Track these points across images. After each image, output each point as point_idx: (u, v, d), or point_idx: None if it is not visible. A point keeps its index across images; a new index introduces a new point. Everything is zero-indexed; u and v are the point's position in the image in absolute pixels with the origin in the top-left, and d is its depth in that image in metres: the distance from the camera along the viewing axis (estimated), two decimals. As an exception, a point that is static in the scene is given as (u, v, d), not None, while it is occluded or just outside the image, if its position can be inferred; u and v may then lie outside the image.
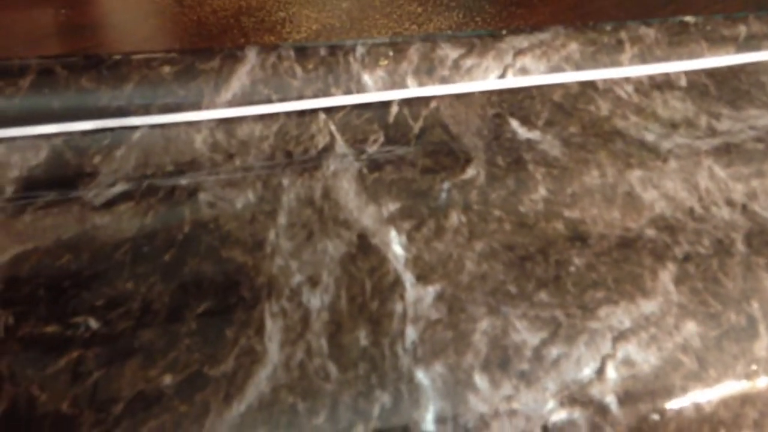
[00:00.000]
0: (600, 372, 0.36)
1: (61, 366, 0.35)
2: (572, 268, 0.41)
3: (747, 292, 0.40)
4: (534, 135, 0.49)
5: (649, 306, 0.39)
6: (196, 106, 0.47)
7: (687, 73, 0.55)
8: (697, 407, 0.36)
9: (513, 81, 0.52)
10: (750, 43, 0.56)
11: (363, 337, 0.37)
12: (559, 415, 0.34)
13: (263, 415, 0.33)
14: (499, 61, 0.52)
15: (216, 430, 0.33)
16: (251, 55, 0.49)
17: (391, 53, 0.51)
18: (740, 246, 0.43)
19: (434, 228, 0.42)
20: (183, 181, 0.44)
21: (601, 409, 0.35)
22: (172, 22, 0.55)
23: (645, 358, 0.37)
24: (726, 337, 0.38)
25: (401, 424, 0.33)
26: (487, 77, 0.52)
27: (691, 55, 0.55)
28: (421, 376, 0.35)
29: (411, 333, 0.37)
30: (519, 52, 0.53)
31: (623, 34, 0.54)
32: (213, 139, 0.46)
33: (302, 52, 0.50)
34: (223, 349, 0.36)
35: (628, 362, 0.36)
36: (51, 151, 0.44)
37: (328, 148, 0.47)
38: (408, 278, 0.40)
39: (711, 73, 0.55)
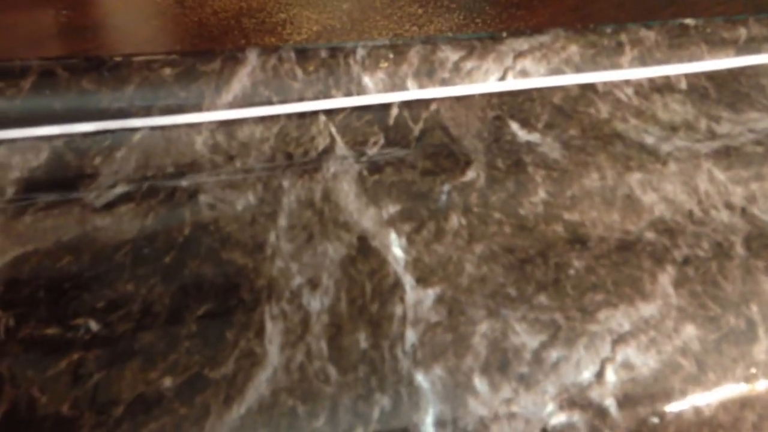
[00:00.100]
0: (599, 375, 0.36)
1: (62, 368, 0.35)
2: (572, 271, 0.41)
3: (746, 296, 0.40)
4: (534, 137, 0.49)
5: (648, 309, 0.39)
6: (197, 108, 0.47)
7: (687, 76, 0.55)
8: (697, 410, 0.36)
9: (513, 83, 0.52)
10: (750, 45, 0.56)
11: (363, 340, 0.37)
12: (559, 418, 0.34)
13: (263, 417, 0.33)
14: (499, 63, 0.52)
15: (216, 433, 0.33)
16: (252, 57, 0.49)
17: (391, 55, 0.51)
18: (739, 249, 0.43)
19: (434, 230, 0.43)
20: (183, 183, 0.44)
21: (601, 412, 0.35)
22: (173, 24, 0.55)
23: (644, 361, 0.37)
24: (725, 340, 0.38)
25: (401, 427, 0.34)
26: (488, 79, 0.52)
27: (691, 58, 0.55)
28: (420, 378, 0.35)
29: (411, 336, 0.37)
30: (519, 55, 0.53)
31: (623, 37, 0.54)
32: (213, 140, 0.46)
33: (303, 54, 0.50)
34: (223, 352, 0.36)
35: (627, 365, 0.36)
36: (52, 153, 0.44)
37: (329, 150, 0.47)
38: (408, 281, 0.40)
39: (711, 75, 0.55)
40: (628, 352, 0.37)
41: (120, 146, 0.45)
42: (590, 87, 0.53)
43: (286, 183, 0.45)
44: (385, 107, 0.50)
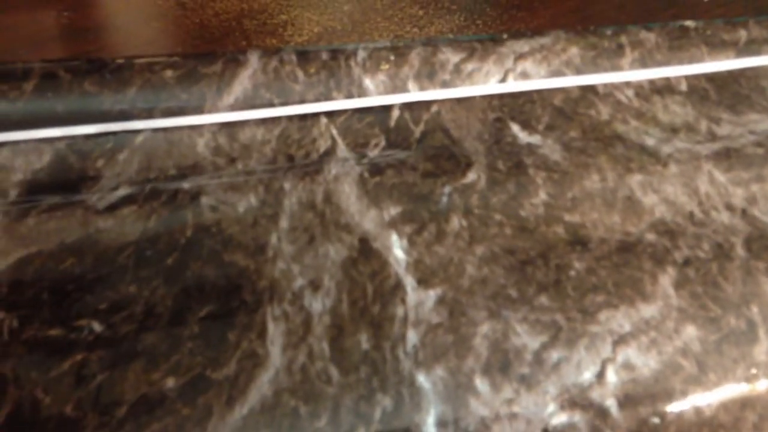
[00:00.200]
0: (600, 375, 0.36)
1: (65, 369, 0.35)
2: (572, 272, 0.41)
3: (747, 297, 0.40)
4: (534, 139, 0.49)
5: (649, 310, 0.39)
6: (199, 110, 0.47)
7: (687, 78, 0.55)
8: (697, 411, 0.36)
9: (514, 85, 0.52)
10: (750, 47, 0.57)
11: (364, 341, 0.37)
12: (560, 419, 0.35)
13: (265, 418, 0.33)
14: (500, 65, 0.52)
15: (219, 434, 0.33)
16: (253, 59, 0.49)
17: (392, 57, 0.51)
18: (740, 250, 0.43)
19: (435, 232, 0.43)
20: (185, 185, 0.44)
21: (602, 412, 0.35)
22: (174, 26, 0.55)
23: (645, 361, 0.37)
24: (726, 341, 0.38)
25: (402, 427, 0.34)
26: (488, 81, 0.52)
27: (692, 60, 0.55)
28: (422, 379, 0.35)
29: (412, 336, 0.37)
30: (520, 57, 0.53)
31: (624, 39, 0.55)
32: (215, 142, 0.47)
33: (304, 56, 0.50)
34: (225, 353, 0.36)
35: (628, 366, 0.37)
36: (54, 155, 0.44)
37: (330, 152, 0.47)
38: (409, 282, 0.40)
39: (711, 77, 0.55)
40: (629, 352, 0.37)
41: (122, 148, 0.46)
42: (591, 89, 0.53)
43: (287, 185, 0.45)
44: (386, 109, 0.50)
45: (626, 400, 0.35)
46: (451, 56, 0.52)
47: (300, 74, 0.49)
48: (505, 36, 0.53)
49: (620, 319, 0.39)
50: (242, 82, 0.48)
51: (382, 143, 0.48)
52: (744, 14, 0.58)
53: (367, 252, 0.41)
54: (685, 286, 0.40)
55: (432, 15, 0.59)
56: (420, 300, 0.39)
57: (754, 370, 0.37)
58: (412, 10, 0.60)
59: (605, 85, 0.53)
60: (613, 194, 0.46)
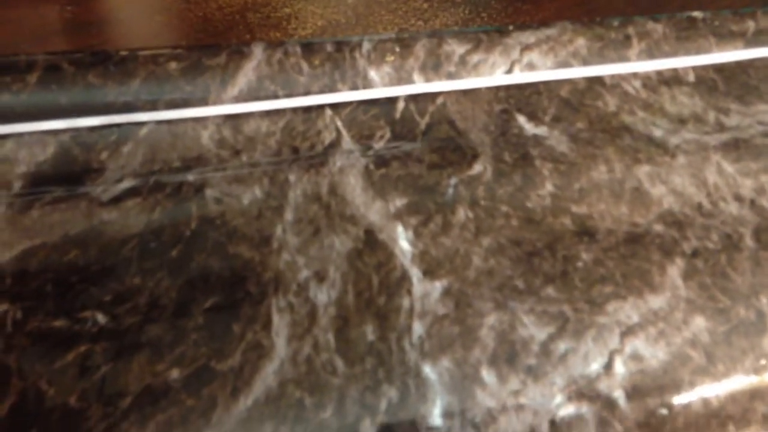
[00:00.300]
0: (608, 367, 0.36)
1: (69, 360, 0.35)
2: (580, 264, 0.40)
3: (756, 287, 0.40)
4: (541, 130, 0.49)
5: (657, 301, 0.39)
6: (203, 102, 0.47)
7: (695, 69, 0.54)
8: (705, 402, 0.35)
9: (520, 76, 0.52)
10: (758, 38, 0.56)
11: (370, 332, 0.37)
12: (567, 410, 0.34)
13: (270, 409, 0.33)
14: (505, 56, 0.52)
15: (223, 424, 0.33)
16: (257, 51, 0.48)
17: (397, 49, 0.51)
18: (749, 241, 0.42)
19: (441, 223, 0.42)
20: (190, 177, 0.44)
21: (609, 403, 0.35)
22: (178, 19, 0.55)
23: (653, 353, 0.36)
24: (734, 332, 0.38)
25: (408, 418, 0.33)
26: (494, 73, 0.52)
27: (699, 51, 0.55)
28: (428, 370, 0.35)
29: (418, 328, 0.37)
30: (526, 48, 0.52)
31: (631, 30, 0.54)
32: (220, 135, 0.46)
33: (308, 48, 0.49)
34: (230, 344, 0.36)
35: (636, 357, 0.36)
36: (58, 147, 0.44)
37: (335, 144, 0.47)
38: (415, 273, 0.40)
39: (719, 68, 0.55)
40: (637, 343, 0.37)
41: (126, 140, 0.45)
42: (598, 80, 0.53)
43: (292, 177, 0.45)
44: (392, 101, 0.50)
45: (634, 392, 0.35)
46: (456, 48, 0.51)
47: (305, 66, 0.49)
48: (511, 27, 0.53)
49: (628, 310, 0.38)
50: (246, 74, 0.48)
51: (388, 135, 0.48)
52: (752, 5, 0.58)
53: (372, 243, 0.41)
54: (694, 277, 0.40)
55: (437, 8, 0.59)
56: (426, 291, 0.39)
57: (763, 361, 0.37)
58: (417, 3, 0.59)
59: (612, 76, 0.53)
60: (620, 185, 0.45)
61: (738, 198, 0.45)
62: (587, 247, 0.41)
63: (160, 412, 0.33)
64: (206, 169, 0.45)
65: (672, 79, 0.54)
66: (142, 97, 0.46)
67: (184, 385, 0.34)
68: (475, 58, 0.51)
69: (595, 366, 0.36)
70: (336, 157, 0.46)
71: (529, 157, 0.47)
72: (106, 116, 0.45)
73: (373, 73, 0.50)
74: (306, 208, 0.43)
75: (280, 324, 0.37)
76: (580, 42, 0.53)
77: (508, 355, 0.36)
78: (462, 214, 0.43)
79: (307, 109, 0.49)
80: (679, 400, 0.35)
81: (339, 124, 0.48)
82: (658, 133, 0.49)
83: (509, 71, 0.52)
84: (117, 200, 0.43)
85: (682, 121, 0.50)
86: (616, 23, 0.54)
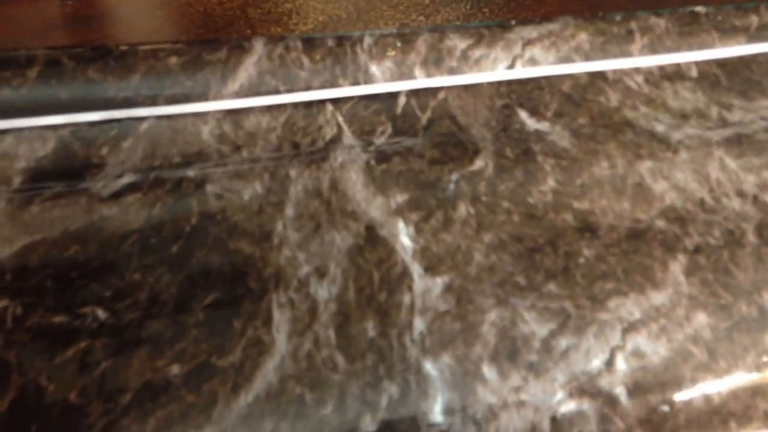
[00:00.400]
0: (609, 363, 0.36)
1: (69, 356, 0.35)
2: (581, 260, 0.40)
3: (758, 284, 0.40)
4: (543, 126, 0.49)
5: (659, 297, 0.39)
6: (203, 97, 0.47)
7: (698, 64, 0.54)
8: (707, 399, 0.35)
9: (522, 72, 0.52)
10: (761, 33, 0.56)
11: (371, 328, 0.37)
12: (568, 407, 0.34)
13: (271, 405, 0.33)
14: (507, 51, 0.52)
15: (223, 420, 0.33)
16: (258, 46, 0.48)
17: (398, 44, 0.50)
18: (751, 237, 0.42)
19: (442, 219, 0.42)
20: (190, 173, 0.44)
21: (611, 400, 0.34)
22: (178, 14, 0.55)
23: (655, 349, 0.36)
24: (737, 328, 0.38)
25: (409, 414, 0.33)
26: (496, 68, 0.51)
27: (702, 46, 0.55)
28: (429, 367, 0.35)
29: (419, 324, 0.37)
30: (528, 43, 0.52)
31: (633, 25, 0.54)
32: (220, 130, 0.46)
33: (309, 43, 0.49)
34: (230, 340, 0.36)
35: (637, 354, 0.36)
36: (58, 142, 0.44)
37: (336, 140, 0.47)
38: (416, 269, 0.39)
39: (722, 63, 0.54)
40: (639, 340, 0.37)
41: (126, 136, 0.45)
42: (600, 75, 0.52)
43: (293, 172, 0.45)
44: (393, 96, 0.50)
45: (635, 388, 0.35)
46: (458, 42, 0.51)
47: (306, 61, 0.49)
48: (513, 22, 0.53)
49: (630, 307, 0.38)
50: (247, 69, 0.48)
51: (389, 130, 0.48)
52: (755, 0, 0.57)
53: (373, 239, 0.41)
54: (696, 274, 0.40)
55: (438, 3, 0.58)
56: (427, 287, 0.39)
57: (765, 358, 0.37)
58: (419, -2, 0.59)
59: (614, 72, 0.53)
60: (622, 181, 0.45)
61: (740, 194, 0.45)
62: (589, 243, 0.41)
63: (161, 408, 0.33)
64: (207, 165, 0.45)
65: (674, 75, 0.53)
66: (142, 92, 0.46)
67: (185, 381, 0.34)
68: (476, 53, 0.51)
69: (597, 362, 0.36)
70: (337, 153, 0.46)
71: (531, 152, 0.47)
72: (106, 111, 0.45)
73: (374, 68, 0.50)
74: (307, 203, 0.43)
75: (280, 320, 0.37)
76: (583, 37, 0.53)
77: (510, 351, 0.36)
78: (463, 209, 0.43)
79: (308, 105, 0.49)
80: (680, 396, 0.35)
81: (340, 119, 0.48)
82: (660, 128, 0.49)
83: (511, 66, 0.52)
84: (117, 196, 0.42)
85: (684, 117, 0.50)
86: (618, 18, 0.54)
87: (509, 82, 0.51)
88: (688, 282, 0.39)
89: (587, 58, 0.53)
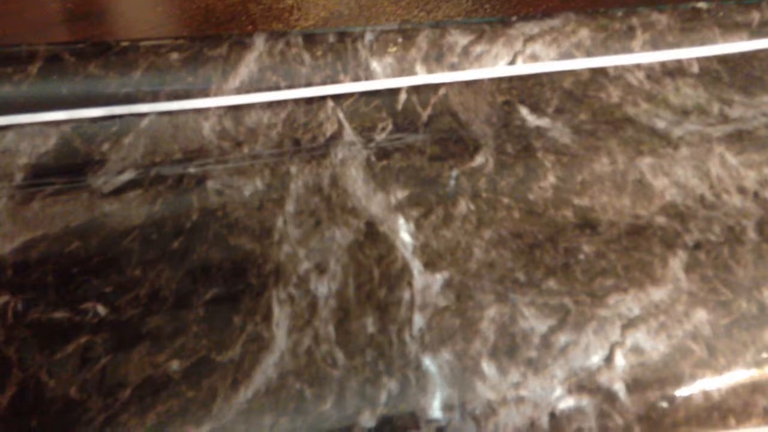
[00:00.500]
0: (608, 359, 0.36)
1: (70, 351, 0.35)
2: (581, 256, 0.40)
3: (758, 280, 0.40)
4: (544, 122, 0.49)
5: (658, 294, 0.39)
6: (204, 93, 0.47)
7: (699, 60, 0.54)
8: (707, 395, 0.35)
9: (523, 68, 0.52)
10: (763, 29, 0.56)
11: (370, 324, 0.37)
12: (567, 403, 0.34)
13: (270, 400, 0.33)
14: (508, 47, 0.52)
15: (223, 416, 0.33)
16: (259, 42, 0.48)
17: (399, 40, 0.50)
18: (751, 233, 0.42)
19: (442, 216, 0.42)
20: (191, 169, 0.44)
21: (610, 396, 0.34)
22: (179, 10, 0.55)
23: (654, 345, 0.36)
24: (736, 324, 0.38)
25: (408, 410, 0.33)
26: (497, 64, 0.51)
27: (704, 42, 0.54)
28: (428, 362, 0.35)
29: (418, 320, 0.37)
30: (529, 39, 0.52)
31: (635, 20, 0.54)
32: (221, 126, 0.46)
33: (310, 39, 0.49)
34: (230, 336, 0.36)
35: (637, 350, 0.36)
36: (60, 138, 0.44)
37: (336, 136, 0.47)
38: (416, 266, 0.40)
39: (723, 59, 0.54)
40: (638, 336, 0.37)
41: (128, 132, 0.45)
42: (601, 71, 0.52)
43: (293, 169, 0.45)
44: (394, 92, 0.50)
45: (635, 384, 0.35)
46: (459, 39, 0.51)
47: (306, 57, 0.49)
48: (514, 18, 0.52)
49: (629, 303, 0.38)
50: (248, 65, 0.48)
51: (390, 127, 0.48)
52: (757, -5, 0.57)
53: (373, 236, 0.41)
54: (696, 270, 0.40)
55: (440, -2, 0.58)
56: (427, 283, 0.39)
57: (764, 354, 0.37)
58: (420, -6, 0.59)
59: (616, 68, 0.53)
60: (623, 177, 0.45)
61: (741, 190, 0.45)
62: (589, 239, 0.41)
63: (160, 403, 0.33)
64: (207, 161, 0.45)
65: (676, 71, 0.53)
66: (143, 88, 0.46)
67: (185, 377, 0.34)
68: (477, 49, 0.51)
69: (596, 358, 0.36)
70: (337, 149, 0.46)
71: (532, 148, 0.47)
72: (108, 107, 0.45)
73: (375, 64, 0.50)
74: (307, 199, 0.43)
75: (280, 316, 0.37)
76: (584, 33, 0.53)
77: (509, 347, 0.36)
78: (463, 206, 0.43)
79: (309, 101, 0.49)
80: (680, 393, 0.35)
81: (341, 115, 0.48)
82: (661, 124, 0.49)
83: (512, 62, 0.52)
84: (118, 192, 0.43)
85: (685, 113, 0.50)
86: (620, 14, 0.54)
87: (510, 79, 0.51)
88: (688, 278, 0.39)
89: (588, 54, 0.53)
